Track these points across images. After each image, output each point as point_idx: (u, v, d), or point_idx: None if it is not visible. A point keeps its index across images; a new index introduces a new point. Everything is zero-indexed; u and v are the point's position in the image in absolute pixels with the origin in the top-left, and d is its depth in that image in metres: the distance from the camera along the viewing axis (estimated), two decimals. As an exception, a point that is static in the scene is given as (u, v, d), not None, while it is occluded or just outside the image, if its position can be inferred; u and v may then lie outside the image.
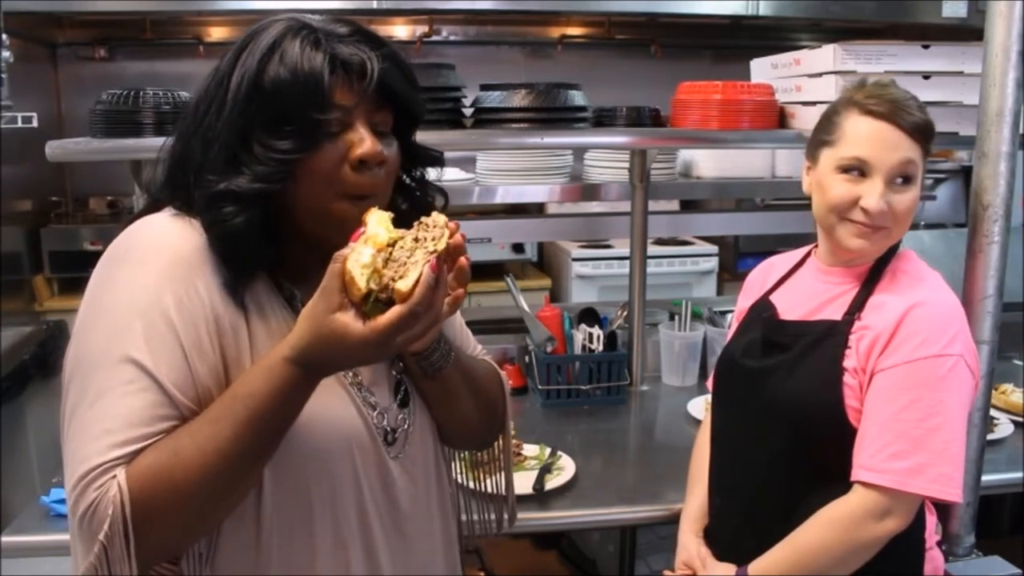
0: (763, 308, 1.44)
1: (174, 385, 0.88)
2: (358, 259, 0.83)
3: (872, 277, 1.33)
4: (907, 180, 1.28)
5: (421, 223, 0.89)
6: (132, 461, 0.85)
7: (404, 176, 1.06)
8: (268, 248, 0.94)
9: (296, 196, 0.92)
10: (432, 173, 1.09)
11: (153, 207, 1.00)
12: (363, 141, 0.92)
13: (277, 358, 0.86)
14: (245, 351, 0.93)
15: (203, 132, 0.93)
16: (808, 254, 1.46)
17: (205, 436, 0.85)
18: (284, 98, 0.89)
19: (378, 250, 0.85)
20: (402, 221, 0.90)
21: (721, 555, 1.41)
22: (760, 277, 1.54)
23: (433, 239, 0.87)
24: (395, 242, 0.87)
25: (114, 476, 0.84)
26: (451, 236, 0.87)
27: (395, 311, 0.83)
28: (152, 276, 0.91)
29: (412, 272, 0.84)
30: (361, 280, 0.83)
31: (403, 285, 0.83)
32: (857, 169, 1.28)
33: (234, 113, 0.91)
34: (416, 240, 0.87)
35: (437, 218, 0.89)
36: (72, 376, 0.91)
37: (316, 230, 0.95)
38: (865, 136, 1.28)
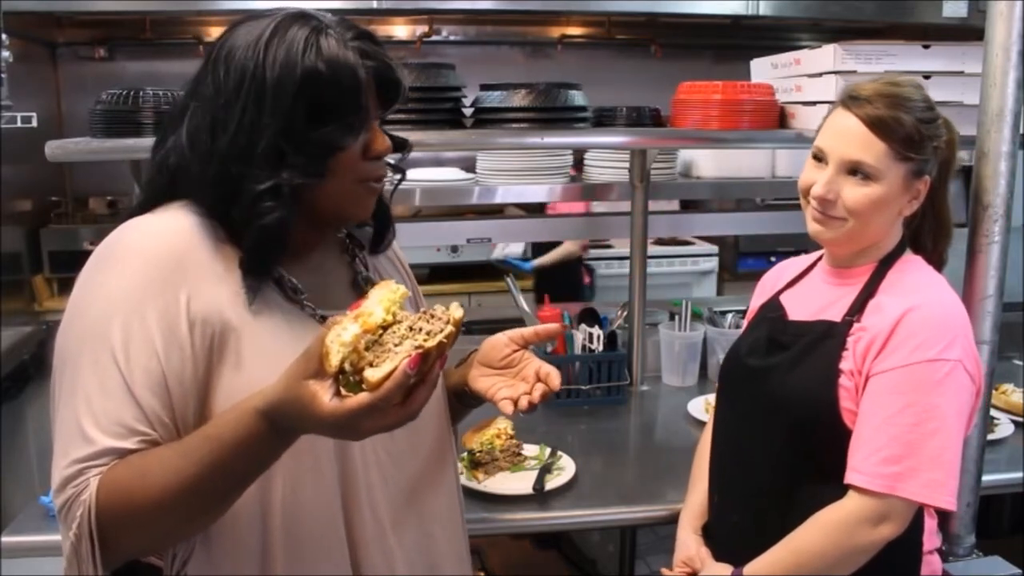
0: (772, 308, 1.44)
1: (147, 390, 0.89)
2: (339, 334, 0.80)
3: (874, 279, 1.33)
4: (867, 177, 1.27)
5: (427, 312, 0.85)
6: (110, 466, 0.87)
7: None
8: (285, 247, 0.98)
9: (323, 186, 0.97)
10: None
11: (142, 207, 1.00)
12: (379, 138, 1.01)
13: (249, 407, 0.85)
14: (240, 346, 0.94)
15: (244, 124, 0.93)
16: (821, 257, 1.46)
17: (170, 467, 0.86)
18: (327, 94, 0.93)
19: (365, 331, 0.81)
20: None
21: (718, 552, 1.41)
22: (774, 277, 1.55)
23: (428, 333, 0.82)
24: (389, 325, 0.83)
25: (88, 478, 0.87)
26: (454, 334, 0.84)
27: (359, 399, 0.79)
28: (134, 280, 0.92)
29: (388, 363, 0.79)
30: (335, 357, 0.79)
31: (372, 375, 0.79)
32: (819, 157, 1.32)
33: (277, 104, 0.92)
34: (411, 329, 0.83)
35: (450, 312, 0.85)
36: (54, 376, 0.94)
37: (332, 213, 1.02)
38: (831, 127, 1.32)
